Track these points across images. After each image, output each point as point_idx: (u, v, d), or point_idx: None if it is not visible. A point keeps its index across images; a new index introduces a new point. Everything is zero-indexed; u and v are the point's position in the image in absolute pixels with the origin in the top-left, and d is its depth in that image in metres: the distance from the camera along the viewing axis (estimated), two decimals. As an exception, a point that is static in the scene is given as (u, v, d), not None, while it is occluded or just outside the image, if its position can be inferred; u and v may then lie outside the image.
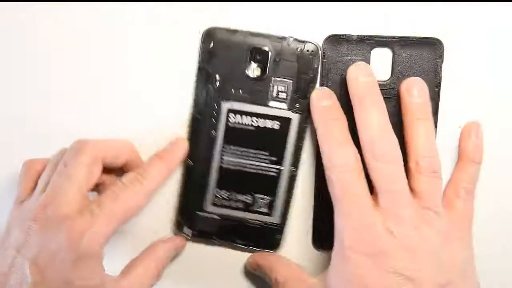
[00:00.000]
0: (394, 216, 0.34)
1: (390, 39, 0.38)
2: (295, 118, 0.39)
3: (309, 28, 0.39)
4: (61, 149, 0.38)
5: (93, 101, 0.41)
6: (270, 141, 0.39)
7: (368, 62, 0.38)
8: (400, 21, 0.39)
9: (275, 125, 0.39)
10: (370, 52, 0.38)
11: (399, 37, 0.38)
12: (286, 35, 0.38)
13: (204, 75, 0.39)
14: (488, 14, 0.38)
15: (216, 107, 0.39)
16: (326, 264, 0.39)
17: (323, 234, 0.41)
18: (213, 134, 0.39)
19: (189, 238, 0.41)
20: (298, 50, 0.38)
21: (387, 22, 0.39)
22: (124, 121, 0.41)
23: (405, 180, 0.35)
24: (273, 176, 0.40)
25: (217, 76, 0.38)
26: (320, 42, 0.38)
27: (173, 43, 0.39)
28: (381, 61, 0.39)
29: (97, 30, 0.40)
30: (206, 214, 0.41)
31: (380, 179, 0.34)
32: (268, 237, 0.41)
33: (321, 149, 0.36)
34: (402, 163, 0.35)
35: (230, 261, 0.42)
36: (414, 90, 0.36)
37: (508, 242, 0.41)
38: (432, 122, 0.36)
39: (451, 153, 0.37)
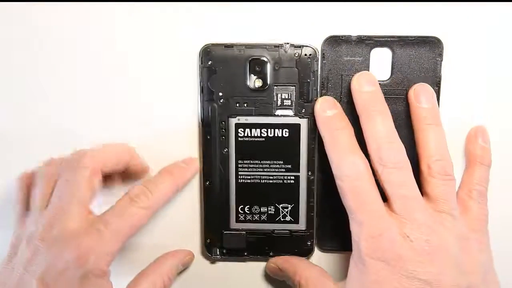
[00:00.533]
0: (409, 221, 0.34)
1: (389, 39, 0.38)
2: (303, 123, 0.39)
3: (305, 32, 0.38)
4: (50, 160, 0.38)
5: (97, 122, 0.41)
6: (283, 150, 0.39)
7: (368, 62, 0.38)
8: (398, 20, 0.38)
9: (285, 133, 0.39)
10: (369, 52, 0.38)
11: (398, 37, 0.38)
12: (282, 42, 0.38)
13: (206, 93, 0.39)
14: (488, 13, 0.38)
15: (224, 124, 0.39)
16: (330, 265, 0.41)
17: (326, 236, 0.41)
18: (225, 151, 0.39)
19: (220, 258, 0.41)
20: (296, 55, 0.38)
21: (385, 22, 0.38)
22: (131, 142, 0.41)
23: (416, 185, 0.35)
24: (291, 183, 0.40)
25: (220, 93, 0.39)
26: (317, 45, 0.38)
27: (172, 63, 0.40)
28: (381, 61, 0.38)
29: (94, 53, 0.40)
30: (232, 232, 0.41)
31: (391, 185, 0.34)
32: (299, 245, 0.41)
33: (329, 159, 0.36)
34: (411, 168, 0.35)
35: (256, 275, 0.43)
36: (422, 96, 0.37)
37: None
38: (441, 126, 0.36)
39: (452, 151, 0.36)
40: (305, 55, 0.38)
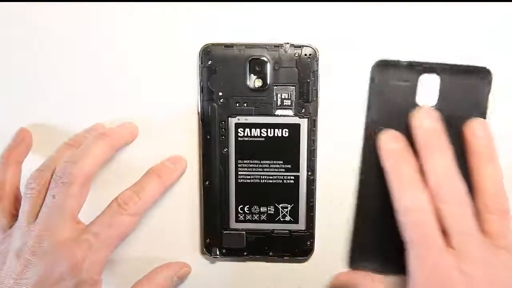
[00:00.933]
0: (467, 257, 0.34)
1: (439, 66, 0.38)
2: (303, 123, 0.39)
3: (305, 31, 0.38)
4: (35, 174, 0.37)
5: (97, 122, 0.41)
6: (282, 150, 0.39)
7: (416, 87, 0.38)
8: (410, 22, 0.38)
9: (285, 132, 0.39)
10: (418, 78, 0.38)
11: (448, 64, 0.38)
12: (282, 42, 0.38)
13: (206, 93, 0.39)
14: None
15: (224, 124, 0.39)
16: (330, 266, 0.41)
17: (362, 255, 0.41)
18: (225, 151, 0.39)
19: (220, 258, 0.41)
20: (296, 55, 0.38)
21: (384, 23, 0.38)
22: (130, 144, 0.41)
23: (475, 221, 0.35)
24: (291, 183, 0.40)
25: (220, 93, 0.39)
26: (317, 45, 0.38)
27: (172, 63, 0.40)
28: (428, 86, 0.38)
29: (94, 53, 0.40)
30: (232, 232, 0.41)
31: (450, 220, 0.34)
32: (298, 245, 0.41)
33: (391, 192, 0.36)
34: (470, 204, 0.35)
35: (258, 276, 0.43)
36: (478, 132, 0.36)
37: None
38: (498, 161, 0.36)
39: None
40: (305, 55, 0.38)
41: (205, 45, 0.38)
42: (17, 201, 0.39)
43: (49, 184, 0.36)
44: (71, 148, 0.38)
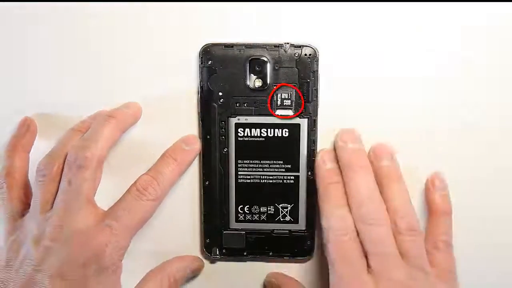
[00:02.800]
0: (385, 280, 0.34)
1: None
2: (303, 123, 0.39)
3: (305, 31, 0.38)
4: (46, 161, 0.37)
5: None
6: (282, 150, 0.39)
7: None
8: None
9: (285, 132, 0.39)
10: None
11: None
12: (282, 42, 0.38)
13: (206, 93, 0.39)
14: None
15: (224, 124, 0.39)
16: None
17: None
18: (225, 151, 0.39)
19: (220, 258, 0.41)
20: (296, 55, 0.38)
21: (383, 21, 0.38)
22: (130, 143, 0.41)
23: (394, 242, 0.36)
24: (291, 183, 0.40)
25: (220, 93, 0.39)
26: (317, 45, 0.38)
27: (172, 63, 0.40)
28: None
29: (94, 53, 0.40)
30: (232, 232, 0.41)
31: (370, 242, 0.35)
32: (298, 244, 0.41)
33: (320, 210, 0.38)
34: (389, 224, 0.36)
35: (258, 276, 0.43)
36: (381, 155, 0.38)
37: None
38: (403, 181, 0.38)
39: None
40: (305, 55, 0.38)
41: (205, 45, 0.38)
42: (27, 189, 0.39)
43: (60, 169, 0.36)
44: (78, 133, 0.38)
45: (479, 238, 0.41)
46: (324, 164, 0.38)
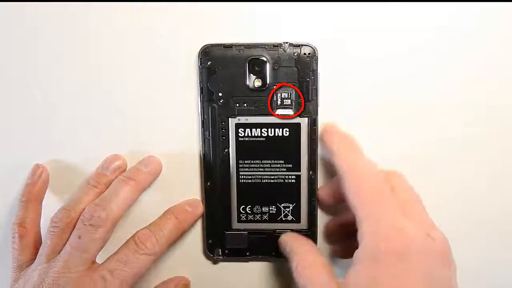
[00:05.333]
0: None
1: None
2: (303, 122, 0.39)
3: (304, 31, 0.38)
4: (61, 215, 0.38)
5: (97, 123, 0.41)
6: (283, 149, 0.39)
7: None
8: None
9: (285, 132, 0.39)
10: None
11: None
12: (281, 42, 0.38)
13: (206, 94, 0.39)
14: None
15: (224, 125, 0.39)
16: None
17: None
18: (226, 152, 0.39)
19: (223, 259, 0.41)
20: (295, 54, 0.38)
21: (383, 23, 0.38)
22: (130, 146, 0.41)
23: None
24: (292, 183, 0.40)
25: (220, 94, 0.39)
26: (316, 43, 0.38)
27: (171, 64, 0.40)
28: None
29: (94, 53, 0.40)
30: (234, 232, 0.41)
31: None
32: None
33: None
34: None
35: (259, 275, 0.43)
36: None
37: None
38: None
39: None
40: (304, 54, 0.38)
41: (205, 45, 0.38)
42: (37, 239, 0.40)
43: (73, 224, 0.37)
44: (93, 189, 0.39)
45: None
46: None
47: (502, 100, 0.39)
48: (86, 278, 0.35)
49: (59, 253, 0.36)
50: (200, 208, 0.40)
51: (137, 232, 0.38)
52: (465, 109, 0.39)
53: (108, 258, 0.37)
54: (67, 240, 0.37)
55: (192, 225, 0.41)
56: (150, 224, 0.39)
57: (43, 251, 0.37)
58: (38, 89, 0.40)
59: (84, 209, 0.37)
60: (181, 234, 0.40)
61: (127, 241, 0.37)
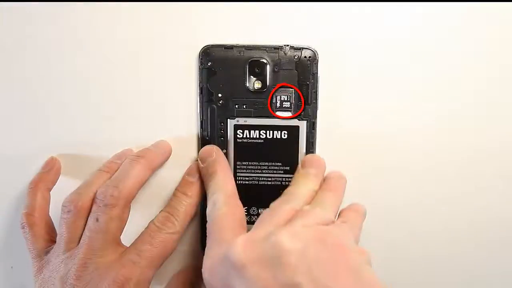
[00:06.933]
0: None
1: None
2: (302, 125, 0.39)
3: (305, 34, 0.39)
4: (71, 198, 0.38)
5: (97, 123, 0.41)
6: (281, 151, 0.39)
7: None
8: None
9: (284, 134, 0.39)
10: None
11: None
12: (282, 44, 0.38)
13: (206, 94, 0.39)
14: None
15: (223, 126, 0.39)
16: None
17: None
18: (224, 153, 0.39)
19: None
20: (296, 57, 0.38)
21: (383, 22, 0.38)
22: (130, 146, 0.41)
23: None
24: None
25: (219, 95, 0.39)
26: (317, 46, 0.38)
27: (172, 64, 0.40)
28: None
29: (94, 54, 0.40)
30: (230, 233, 0.41)
31: None
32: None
33: None
34: None
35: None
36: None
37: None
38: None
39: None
40: (305, 57, 0.38)
41: (205, 46, 0.38)
42: (48, 226, 0.40)
43: (85, 208, 0.37)
44: (105, 174, 0.39)
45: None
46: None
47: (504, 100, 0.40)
48: (115, 262, 0.35)
49: (78, 241, 0.36)
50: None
51: (155, 217, 0.38)
52: (466, 111, 0.40)
53: (133, 242, 0.37)
54: (83, 226, 0.36)
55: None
56: (165, 207, 0.39)
57: (61, 239, 0.37)
58: (43, 89, 0.40)
59: (95, 192, 0.37)
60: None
61: (148, 225, 0.37)
